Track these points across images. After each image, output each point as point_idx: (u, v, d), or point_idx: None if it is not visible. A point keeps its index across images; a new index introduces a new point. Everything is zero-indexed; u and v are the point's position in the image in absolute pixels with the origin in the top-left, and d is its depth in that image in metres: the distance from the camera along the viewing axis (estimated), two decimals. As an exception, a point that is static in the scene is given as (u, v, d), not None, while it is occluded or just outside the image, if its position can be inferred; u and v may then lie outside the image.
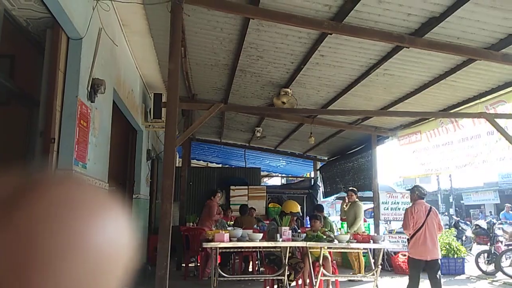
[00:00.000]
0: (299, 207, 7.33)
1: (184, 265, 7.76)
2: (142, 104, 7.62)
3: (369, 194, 10.40)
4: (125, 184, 7.00)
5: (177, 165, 13.40)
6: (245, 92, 8.34)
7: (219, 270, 5.21)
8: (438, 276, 5.36)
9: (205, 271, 7.11)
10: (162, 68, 7.19)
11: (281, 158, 15.55)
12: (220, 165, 16.74)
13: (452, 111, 7.58)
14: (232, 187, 11.72)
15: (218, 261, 6.18)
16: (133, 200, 7.12)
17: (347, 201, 8.51)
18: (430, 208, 5.55)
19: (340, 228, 9.28)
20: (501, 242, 8.79)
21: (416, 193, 5.68)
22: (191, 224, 8.47)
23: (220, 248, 5.31)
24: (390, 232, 9.85)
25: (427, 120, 8.75)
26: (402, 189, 26.34)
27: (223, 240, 5.05)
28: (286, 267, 5.41)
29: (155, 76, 7.75)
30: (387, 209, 9.84)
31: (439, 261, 5.57)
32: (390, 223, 10.39)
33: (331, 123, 9.69)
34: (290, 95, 7.36)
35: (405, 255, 8.76)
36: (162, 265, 4.18)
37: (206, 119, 5.47)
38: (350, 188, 8.87)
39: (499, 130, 5.67)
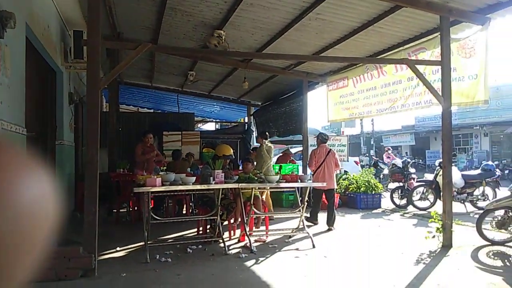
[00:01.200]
0: (232, 150, 7.40)
1: (115, 211, 7.66)
2: (61, 43, 6.94)
3: (299, 137, 10.83)
4: (47, 130, 6.51)
5: (104, 109, 12.78)
6: (176, 33, 7.93)
7: (152, 213, 5.23)
8: (332, 202, 7.16)
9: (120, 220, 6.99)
10: (82, 2, 6.52)
11: (215, 104, 15.42)
12: (152, 110, 16.19)
13: (377, 57, 7.94)
14: (165, 132, 11.49)
15: (151, 206, 6.20)
16: (56, 147, 6.69)
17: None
18: (330, 150, 7.44)
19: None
20: (413, 179, 9.81)
21: (320, 138, 7.50)
22: (122, 170, 8.26)
23: (152, 192, 5.29)
24: (317, 172, 10.47)
25: (354, 66, 9.10)
26: (329, 132, 27.79)
27: (155, 184, 5.02)
28: (219, 208, 5.58)
29: (74, 11, 7.02)
30: (316, 151, 10.38)
31: (334, 190, 7.52)
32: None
33: (265, 68, 9.70)
34: (223, 37, 7.14)
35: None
36: (90, 211, 4.08)
37: (133, 59, 5.15)
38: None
39: (418, 76, 6.08)
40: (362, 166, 14.82)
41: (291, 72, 9.85)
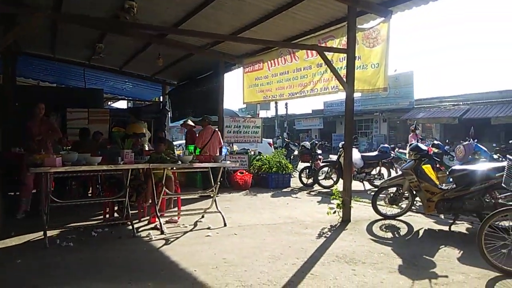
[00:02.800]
0: (144, 128, 7.07)
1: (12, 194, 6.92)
2: None
3: (216, 118, 10.81)
4: None
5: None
6: (82, 1, 7.26)
7: (51, 196, 4.83)
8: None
9: (20, 206, 6.13)
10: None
11: (127, 80, 14.56)
12: (54, 85, 14.74)
13: (291, 42, 8.18)
14: (68, 109, 10.58)
15: (52, 188, 5.72)
16: None
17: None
18: (214, 130, 8.93)
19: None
20: (320, 160, 10.45)
21: (206, 121, 8.98)
22: (18, 150, 7.46)
23: (53, 173, 4.87)
24: (232, 153, 10.61)
25: (269, 50, 9.29)
26: (245, 114, 28.12)
27: (55, 164, 4.63)
28: (128, 189, 5.37)
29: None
30: (230, 132, 10.48)
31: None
32: (232, 145, 11.16)
33: (181, 45, 9.39)
34: (135, 9, 6.72)
35: (242, 173, 9.68)
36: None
37: (29, 27, 4.61)
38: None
39: (326, 62, 6.42)
40: (276, 148, 15.33)
41: (208, 51, 9.71)
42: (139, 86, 15.11)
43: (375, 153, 10.14)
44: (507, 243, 3.78)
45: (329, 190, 9.14)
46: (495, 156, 7.44)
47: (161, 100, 14.73)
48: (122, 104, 19.81)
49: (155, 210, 5.51)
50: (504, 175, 4.05)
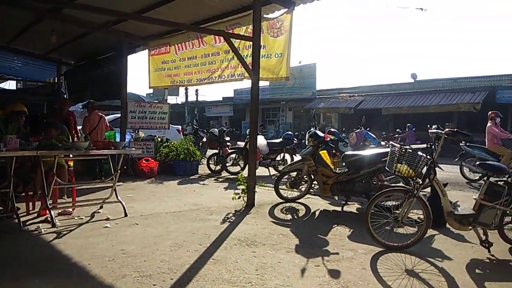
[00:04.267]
0: (24, 106, 6.23)
1: None
2: None
3: (118, 103, 10.21)
4: None
5: None
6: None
7: None
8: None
9: None
10: None
11: (16, 58, 12.92)
12: None
13: (198, 26, 8.02)
14: None
15: None
16: None
17: None
18: (101, 116, 9.17)
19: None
20: (228, 146, 10.55)
21: (90, 106, 9.11)
22: None
23: None
24: (136, 139, 10.15)
25: (177, 33, 9.01)
26: (153, 99, 27.08)
27: None
28: (12, 179, 4.80)
29: None
30: (135, 118, 9.99)
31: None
32: (138, 131, 10.67)
33: (78, 22, 8.57)
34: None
35: (148, 160, 9.34)
36: None
37: None
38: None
39: (232, 49, 6.43)
40: (185, 135, 15.07)
41: (110, 30, 9.04)
42: (31, 65, 13.49)
43: (280, 140, 10.56)
44: (389, 221, 4.23)
45: (236, 176, 9.28)
46: (383, 143, 8.27)
47: (56, 81, 13.40)
48: (10, 85, 17.59)
49: (45, 202, 5.01)
50: (388, 160, 4.50)
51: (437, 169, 7.87)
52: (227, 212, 5.69)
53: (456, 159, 10.10)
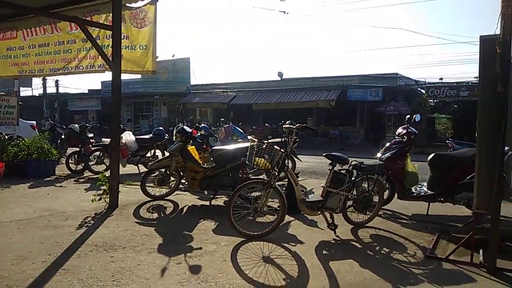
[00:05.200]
0: None
1: None
2: None
3: None
4: None
5: None
6: None
7: None
8: None
9: None
10: None
11: None
12: None
13: (52, 11, 7.14)
14: None
15: None
16: None
17: None
18: None
19: None
20: (91, 143, 9.73)
21: None
22: None
23: None
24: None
25: (25, 17, 7.88)
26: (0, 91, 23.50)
27: None
28: None
29: None
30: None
31: None
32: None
33: None
34: None
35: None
36: None
37: None
38: None
39: (88, 37, 5.92)
40: (43, 132, 13.39)
41: None
42: None
43: (150, 135, 10.18)
44: (249, 211, 4.43)
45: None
46: (251, 137, 8.64)
47: None
48: None
49: None
50: (248, 154, 4.71)
51: (296, 160, 8.60)
52: (85, 216, 5.23)
53: None
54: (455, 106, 26.19)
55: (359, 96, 22.17)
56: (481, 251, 3.76)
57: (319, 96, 21.95)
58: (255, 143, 4.63)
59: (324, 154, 4.85)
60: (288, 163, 4.76)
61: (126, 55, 6.57)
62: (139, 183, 6.34)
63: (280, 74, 26.41)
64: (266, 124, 20.02)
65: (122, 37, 6.45)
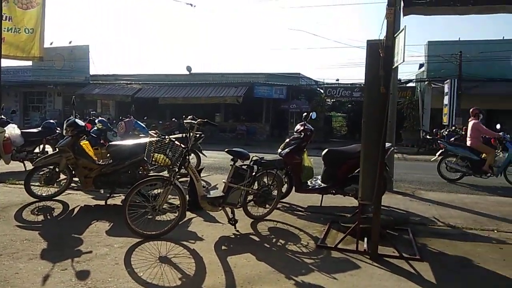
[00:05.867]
0: None
1: None
2: None
3: None
4: None
5: None
6: None
7: None
8: None
9: None
10: None
11: None
12: None
13: None
14: None
15: None
16: None
17: None
18: None
19: None
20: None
21: None
22: None
23: None
24: None
25: None
26: None
27: None
28: None
29: None
30: None
31: None
32: None
33: None
34: None
35: None
36: None
37: None
38: None
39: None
40: None
41: None
42: None
43: (38, 129, 9.19)
44: (147, 210, 4.23)
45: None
46: (151, 132, 8.33)
47: None
48: None
49: None
50: (146, 150, 4.50)
51: (201, 155, 8.53)
52: (-49, 222, 4.52)
53: (435, 158, 9.30)
54: (349, 105, 28.61)
55: (265, 94, 22.83)
56: (365, 239, 4.12)
57: (227, 92, 22.08)
58: (155, 138, 4.44)
59: (225, 150, 4.85)
60: (191, 159, 4.67)
61: (9, 38, 5.85)
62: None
63: (188, 68, 25.90)
64: (173, 119, 19.53)
65: (4, 18, 5.71)
